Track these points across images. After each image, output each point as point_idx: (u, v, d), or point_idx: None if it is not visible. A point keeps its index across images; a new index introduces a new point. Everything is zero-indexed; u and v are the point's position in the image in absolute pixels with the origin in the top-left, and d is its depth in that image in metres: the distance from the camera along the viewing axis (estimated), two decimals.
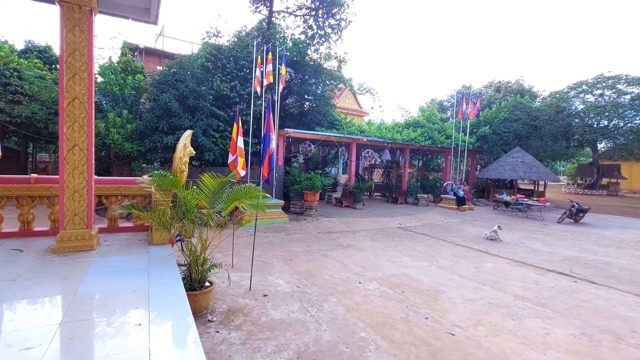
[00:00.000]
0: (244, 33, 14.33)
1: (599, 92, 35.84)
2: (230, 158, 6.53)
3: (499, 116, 21.76)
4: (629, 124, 34.25)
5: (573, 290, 6.16)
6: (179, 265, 5.37)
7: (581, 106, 33.35)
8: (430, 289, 5.94)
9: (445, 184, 19.68)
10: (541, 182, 21.82)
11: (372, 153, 16.37)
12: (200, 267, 4.48)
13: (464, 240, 10.16)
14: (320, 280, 6.08)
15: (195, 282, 4.36)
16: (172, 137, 11.23)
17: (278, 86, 10.74)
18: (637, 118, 34.07)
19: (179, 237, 4.92)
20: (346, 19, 13.19)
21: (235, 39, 13.55)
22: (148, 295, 2.99)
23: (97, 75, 12.83)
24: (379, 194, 21.48)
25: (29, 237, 4.66)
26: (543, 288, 6.23)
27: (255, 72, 10.61)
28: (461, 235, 11.04)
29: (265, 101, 13.15)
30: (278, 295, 5.27)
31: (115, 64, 13.35)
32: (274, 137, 5.33)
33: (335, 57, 14.36)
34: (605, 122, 33.93)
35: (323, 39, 13.01)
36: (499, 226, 10.53)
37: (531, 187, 23.39)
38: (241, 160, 6.59)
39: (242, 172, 6.55)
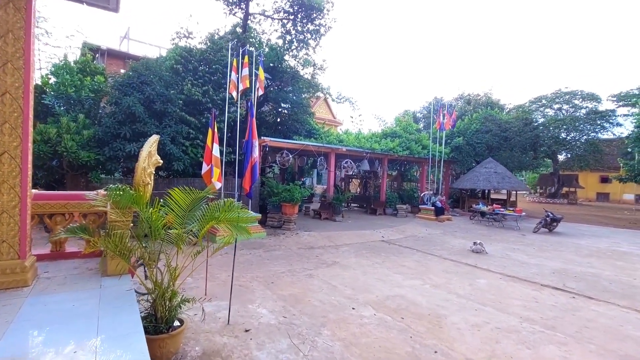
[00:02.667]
0: (217, 36, 13.53)
1: (557, 106, 38.11)
2: (205, 168, 5.72)
3: (472, 127, 22.20)
4: (585, 137, 36.63)
5: (575, 309, 5.85)
6: (141, 294, 4.48)
7: (542, 119, 35.15)
8: (431, 312, 5.39)
9: (423, 194, 19.60)
10: (512, 192, 22.36)
11: (351, 163, 15.93)
12: (168, 303, 3.64)
13: (450, 254, 9.81)
14: (309, 307, 5.36)
15: (161, 323, 3.52)
16: (136, 145, 10.14)
17: (257, 92, 10.04)
18: (592, 131, 36.53)
19: (140, 263, 4.07)
20: (326, 24, 12.81)
21: (208, 42, 12.72)
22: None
23: (49, 76, 11.49)
24: (356, 205, 21.06)
25: None
26: (545, 307, 5.87)
27: (230, 76, 9.85)
28: (446, 248, 10.71)
29: (246, 104, 12.38)
30: (262, 330, 4.49)
31: (72, 64, 12.07)
32: (256, 144, 4.62)
33: (314, 65, 13.88)
34: (564, 135, 36.03)
35: (302, 44, 12.51)
36: (481, 241, 10.33)
37: (503, 197, 23.93)
38: (217, 171, 5.80)
39: (218, 185, 5.76)
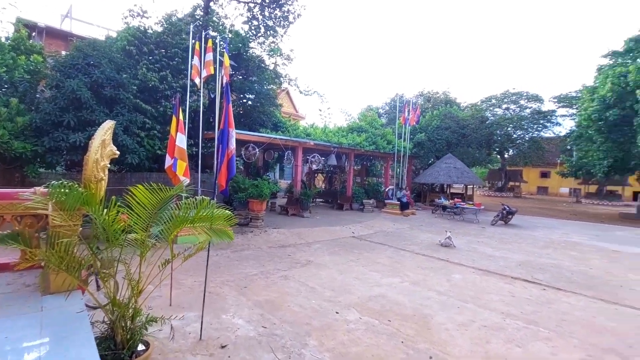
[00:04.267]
0: (175, 18, 12.38)
1: (505, 105, 40.81)
2: (168, 162, 5.00)
3: (432, 124, 22.83)
4: (529, 135, 39.67)
5: (549, 301, 5.98)
6: (91, 308, 3.77)
7: (492, 118, 37.37)
8: (416, 313, 5.19)
9: (387, 189, 19.83)
10: (469, 187, 23.41)
11: (318, 157, 15.57)
12: (130, 323, 3.02)
13: (421, 248, 9.84)
14: (289, 314, 4.92)
15: (122, 348, 2.89)
16: (82, 135, 8.92)
17: (222, 79, 9.25)
18: (536, 130, 39.67)
19: (92, 272, 3.40)
20: (295, 12, 12.20)
21: (165, 23, 11.56)
22: None
23: None
24: (321, 200, 20.80)
25: None
26: (521, 300, 5.94)
27: (192, 60, 8.96)
28: (416, 242, 10.76)
29: (208, 93, 11.41)
30: (241, 344, 3.98)
31: (3, 41, 10.37)
32: (233, 134, 4.06)
33: (281, 54, 13.24)
34: (512, 133, 38.70)
35: (269, 31, 11.80)
36: (450, 233, 10.47)
37: (461, 191, 24.99)
38: (182, 165, 5.12)
39: (186, 180, 5.09)
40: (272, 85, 14.33)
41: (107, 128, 3.34)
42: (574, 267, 8.40)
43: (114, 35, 12.67)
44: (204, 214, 3.04)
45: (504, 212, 15.70)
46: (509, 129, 37.80)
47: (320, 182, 25.54)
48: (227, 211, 3.20)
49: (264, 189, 10.85)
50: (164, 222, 3.23)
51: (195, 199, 3.17)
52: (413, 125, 19.53)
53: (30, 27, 15.70)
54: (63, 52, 16.88)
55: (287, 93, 33.51)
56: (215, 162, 11.07)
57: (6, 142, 8.66)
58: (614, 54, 21.72)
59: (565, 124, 57.01)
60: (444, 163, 20.61)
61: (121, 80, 9.67)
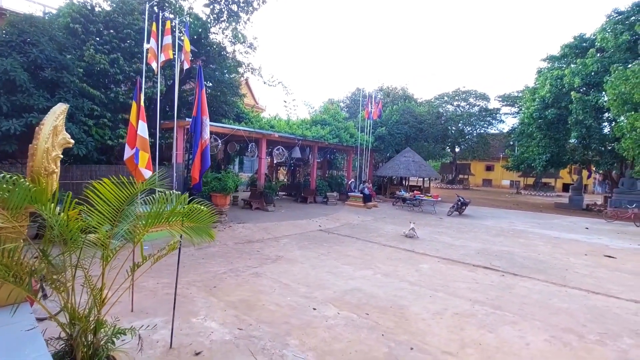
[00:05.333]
0: None
1: (456, 103, 43.25)
2: (128, 153, 4.48)
3: (392, 118, 23.41)
4: (476, 131, 42.49)
5: (509, 286, 6.37)
6: (41, 320, 3.30)
7: (445, 114, 39.36)
8: (392, 304, 5.24)
9: (350, 181, 20.07)
10: (426, 179, 24.45)
11: (282, 150, 15.25)
12: (92, 338, 2.65)
13: (387, 240, 10.05)
14: (266, 313, 4.71)
15: None
16: (18, 123, 7.80)
17: (182, 64, 8.60)
18: (482, 127, 42.57)
19: (40, 278, 2.94)
20: None
21: (116, 1, 10.45)
22: None
23: None
24: (284, 193, 20.51)
25: None
26: (485, 287, 6.26)
27: (149, 43, 8.22)
28: (382, 234, 10.97)
29: (164, 80, 10.50)
30: (217, 350, 3.72)
31: None
32: (207, 122, 3.72)
33: (243, 41, 12.65)
34: (462, 128, 41.15)
35: (232, 16, 11.16)
36: (414, 225, 10.79)
37: (415, 183, 26.03)
38: (144, 156, 4.63)
39: (147, 173, 4.62)
40: (233, 74, 13.68)
41: (59, 112, 2.87)
42: (524, 254, 9.06)
43: (54, 12, 11.25)
44: (182, 210, 2.73)
45: (459, 203, 16.59)
46: (459, 124, 40.19)
47: (281, 175, 25.19)
48: (205, 207, 2.91)
49: (228, 182, 10.37)
50: (132, 220, 2.87)
51: (171, 193, 2.84)
52: (377, 119, 19.86)
53: None
54: None
55: (247, 84, 32.46)
56: (174, 154, 10.40)
57: None
58: (552, 58, 23.76)
59: (507, 122, 61.83)
60: (403, 157, 21.27)
61: (64, 62, 8.59)
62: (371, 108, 17.85)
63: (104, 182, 2.55)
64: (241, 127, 12.77)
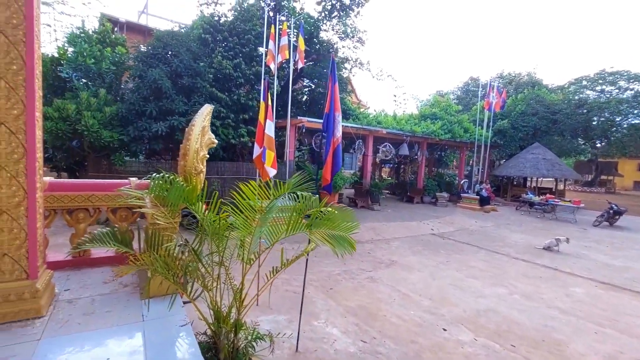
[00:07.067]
0: (246, 4, 12.18)
1: (599, 88, 35.22)
2: (257, 151, 4.59)
3: (516, 109, 20.31)
4: (626, 121, 33.85)
5: None
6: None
7: (586, 101, 32.50)
8: (544, 337, 4.22)
9: (462, 181, 18.15)
10: (559, 181, 20.59)
11: (389, 147, 14.58)
12: (233, 338, 2.60)
13: (518, 252, 8.54)
14: (388, 326, 4.27)
15: None
16: (164, 125, 9.11)
17: (297, 64, 8.79)
18: (636, 116, 33.68)
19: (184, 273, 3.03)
20: None
21: (238, 7, 11.36)
22: None
23: (66, 46, 10.47)
24: (388, 191, 19.76)
25: None
26: None
27: (268, 46, 8.59)
28: (509, 244, 9.42)
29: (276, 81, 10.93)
30: None
31: (90, 32, 11.01)
32: (340, 119, 3.44)
33: (353, 36, 12.41)
34: (612, 119, 33.30)
35: (343, 11, 11.01)
36: (567, 238, 8.95)
37: (549, 185, 22.15)
38: (271, 155, 4.67)
39: (272, 172, 4.65)
40: (343, 71, 13.60)
41: (206, 113, 2.93)
42: None
43: (189, 24, 12.91)
44: (326, 217, 2.48)
45: (611, 211, 13.34)
46: (606, 114, 32.68)
47: (384, 173, 24.42)
48: (349, 213, 2.62)
49: (337, 180, 10.30)
50: (269, 225, 2.75)
51: (310, 197, 2.63)
52: (499, 111, 17.49)
53: (113, 22, 16.80)
54: (142, 47, 17.90)
55: (349, 80, 32.55)
56: (286, 152, 10.81)
57: (96, 131, 9.08)
58: None
59: None
60: (530, 153, 18.20)
61: (198, 69, 9.71)
62: (493, 98, 15.69)
63: (251, 185, 2.45)
64: (349, 124, 12.59)
